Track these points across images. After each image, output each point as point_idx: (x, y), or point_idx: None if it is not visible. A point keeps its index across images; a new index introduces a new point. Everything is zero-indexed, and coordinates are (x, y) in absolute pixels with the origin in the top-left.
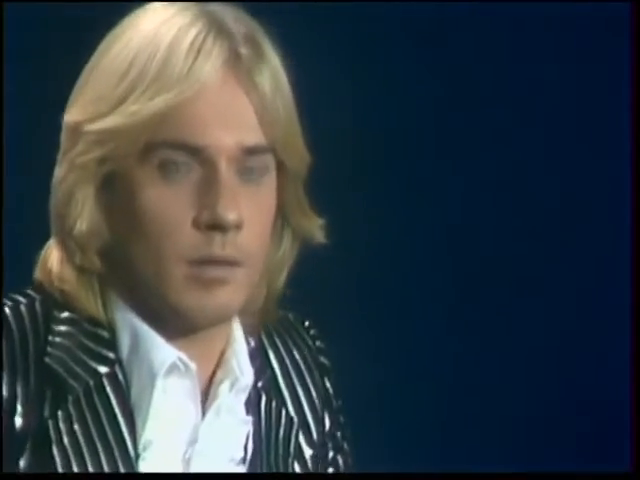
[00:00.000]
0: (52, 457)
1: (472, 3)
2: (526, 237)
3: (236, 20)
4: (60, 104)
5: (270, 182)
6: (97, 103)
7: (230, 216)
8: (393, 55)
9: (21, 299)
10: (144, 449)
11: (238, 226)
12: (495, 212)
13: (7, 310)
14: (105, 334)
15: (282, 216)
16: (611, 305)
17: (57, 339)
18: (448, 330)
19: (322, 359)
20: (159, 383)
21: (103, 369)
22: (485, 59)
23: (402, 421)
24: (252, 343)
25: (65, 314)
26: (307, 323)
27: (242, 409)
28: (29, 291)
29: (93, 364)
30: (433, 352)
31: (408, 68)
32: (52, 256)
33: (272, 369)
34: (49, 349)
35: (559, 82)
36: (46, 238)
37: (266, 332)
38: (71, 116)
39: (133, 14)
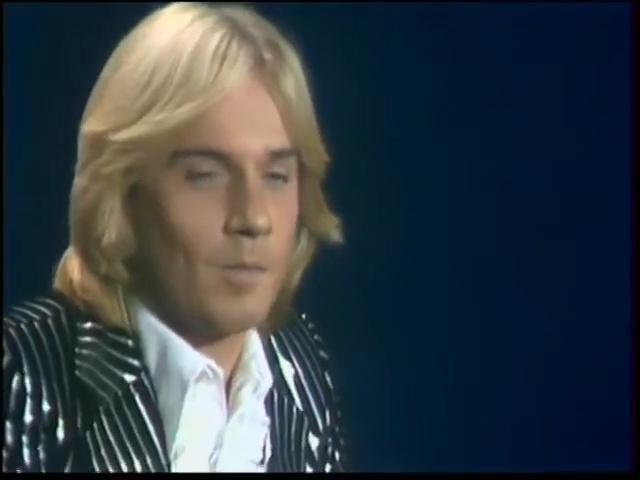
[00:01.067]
0: (93, 469)
1: (472, 3)
2: (531, 239)
3: (255, 24)
4: (60, 104)
5: (293, 186)
6: (120, 113)
7: (260, 221)
8: (405, 54)
9: (47, 312)
10: (176, 456)
11: (267, 231)
12: (500, 212)
13: (36, 324)
14: (130, 342)
15: (300, 216)
16: (611, 305)
17: (83, 351)
18: (450, 329)
19: (322, 353)
20: (190, 390)
21: (130, 378)
22: (485, 59)
23: (403, 420)
24: (262, 316)
25: (88, 324)
26: (304, 316)
27: (263, 411)
28: (51, 302)
29: (120, 373)
30: (434, 351)
31: (418, 68)
32: (72, 266)
33: (279, 365)
34: (77, 362)
35: (559, 82)
36: (47, 243)
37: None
38: (91, 126)
39: (145, 22)
